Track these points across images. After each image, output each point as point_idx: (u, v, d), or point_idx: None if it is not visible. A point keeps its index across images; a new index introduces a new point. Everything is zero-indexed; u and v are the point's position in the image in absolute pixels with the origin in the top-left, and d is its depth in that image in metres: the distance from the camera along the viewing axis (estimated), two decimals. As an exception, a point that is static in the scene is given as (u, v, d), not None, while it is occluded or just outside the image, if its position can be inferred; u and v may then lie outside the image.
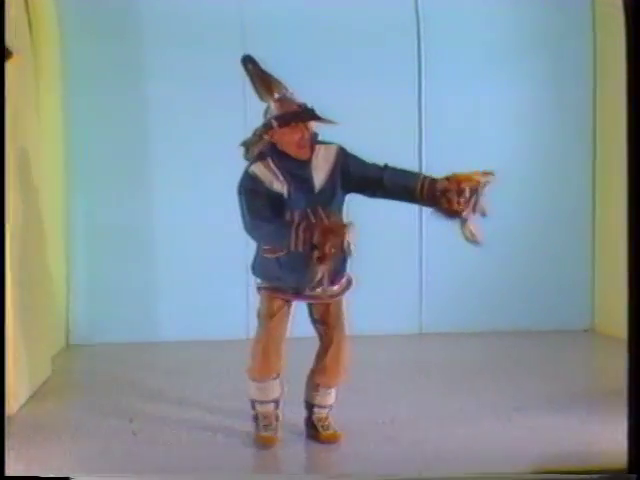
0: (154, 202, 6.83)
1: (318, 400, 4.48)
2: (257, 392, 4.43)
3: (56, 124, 6.61)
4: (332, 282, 4.21)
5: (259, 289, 4.38)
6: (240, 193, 4.13)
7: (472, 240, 4.01)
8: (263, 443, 4.40)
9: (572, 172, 7.08)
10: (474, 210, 3.97)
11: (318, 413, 4.48)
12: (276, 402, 4.45)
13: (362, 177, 4.15)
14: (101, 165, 6.76)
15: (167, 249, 6.82)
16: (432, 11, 6.84)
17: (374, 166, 4.18)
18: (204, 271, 6.76)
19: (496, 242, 6.56)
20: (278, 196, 4.10)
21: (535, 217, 6.97)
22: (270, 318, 4.29)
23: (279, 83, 4.16)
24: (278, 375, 4.40)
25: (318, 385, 4.45)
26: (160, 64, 6.69)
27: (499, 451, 4.27)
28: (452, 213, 4.00)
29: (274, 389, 4.42)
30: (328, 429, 4.46)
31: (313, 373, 4.46)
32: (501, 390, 5.35)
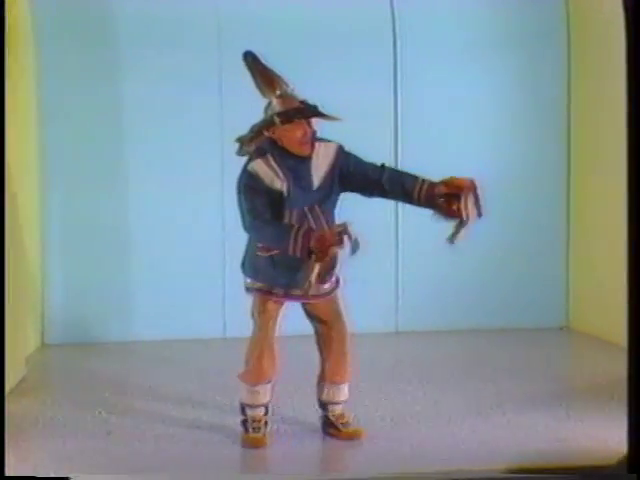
0: (130, 201, 6.80)
1: (331, 397, 4.43)
2: (249, 396, 4.39)
3: (31, 123, 6.56)
4: (323, 281, 4.20)
5: (248, 289, 4.33)
6: (239, 191, 4.11)
7: (454, 241, 4.06)
8: (252, 444, 4.36)
9: (547, 171, 7.11)
10: (478, 214, 4.01)
11: (333, 410, 4.45)
12: (266, 407, 4.42)
13: (362, 177, 4.16)
14: (77, 164, 6.72)
15: (143, 248, 6.78)
16: (408, 9, 6.85)
17: (372, 166, 4.19)
18: (180, 270, 6.73)
19: (472, 241, 6.58)
20: (278, 194, 4.08)
21: (510, 216, 6.97)
22: (267, 320, 4.27)
23: (280, 79, 4.14)
24: (270, 380, 4.38)
25: (333, 382, 4.41)
26: (136, 63, 6.65)
27: (477, 449, 4.27)
28: (451, 215, 4.04)
29: (265, 394, 4.39)
30: (348, 426, 4.44)
31: (324, 372, 4.42)
32: (478, 388, 5.36)
